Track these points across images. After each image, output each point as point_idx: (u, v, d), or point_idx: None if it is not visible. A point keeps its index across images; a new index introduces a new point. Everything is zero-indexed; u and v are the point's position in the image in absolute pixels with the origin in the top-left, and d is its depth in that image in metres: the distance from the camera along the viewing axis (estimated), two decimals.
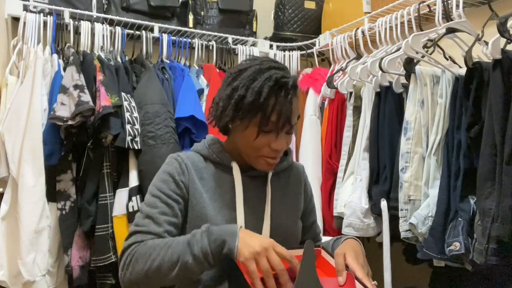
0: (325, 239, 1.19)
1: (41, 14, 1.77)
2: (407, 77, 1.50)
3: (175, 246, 0.86)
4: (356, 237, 1.05)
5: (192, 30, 2.15)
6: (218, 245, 0.84)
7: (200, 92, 1.96)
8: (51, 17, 1.78)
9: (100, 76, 1.69)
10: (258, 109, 0.91)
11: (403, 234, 1.43)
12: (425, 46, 1.48)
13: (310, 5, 2.40)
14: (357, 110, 1.78)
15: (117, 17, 1.97)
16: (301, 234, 1.11)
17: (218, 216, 0.96)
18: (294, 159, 1.68)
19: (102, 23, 1.91)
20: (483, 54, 1.39)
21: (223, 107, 0.96)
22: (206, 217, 0.95)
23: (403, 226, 1.43)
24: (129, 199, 1.67)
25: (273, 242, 0.84)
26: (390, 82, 1.60)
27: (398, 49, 1.63)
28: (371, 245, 1.76)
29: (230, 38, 2.23)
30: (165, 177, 0.98)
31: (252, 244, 0.82)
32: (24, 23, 1.71)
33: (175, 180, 0.97)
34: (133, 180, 1.69)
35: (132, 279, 0.88)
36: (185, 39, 2.09)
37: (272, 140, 0.95)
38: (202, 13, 2.21)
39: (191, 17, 2.17)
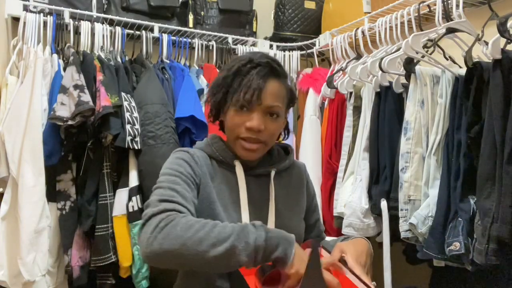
0: (328, 239, 1.19)
1: (41, 14, 1.77)
2: (407, 77, 1.50)
3: (224, 225, 0.80)
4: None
5: (192, 30, 2.15)
6: (273, 245, 0.78)
7: (200, 92, 1.95)
8: (51, 17, 1.78)
9: (100, 76, 1.69)
10: (229, 85, 0.96)
11: (403, 234, 1.43)
12: (425, 46, 1.48)
13: (310, 5, 2.40)
14: (357, 110, 1.78)
15: (117, 17, 1.97)
16: (306, 232, 1.11)
17: (225, 214, 0.96)
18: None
19: (102, 23, 1.91)
20: (483, 54, 1.39)
21: (210, 94, 1.03)
22: (214, 212, 0.95)
23: (403, 226, 1.43)
24: (129, 199, 1.67)
25: None
26: (390, 82, 1.60)
27: (398, 49, 1.63)
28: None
29: (230, 38, 2.23)
30: (180, 162, 0.96)
31: (304, 259, 0.80)
32: (24, 23, 1.71)
33: (190, 165, 0.96)
34: (133, 180, 1.69)
35: (163, 245, 0.77)
36: (185, 39, 2.09)
37: (247, 118, 0.96)
38: (202, 13, 2.21)
39: (191, 17, 2.17)
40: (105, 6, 2.01)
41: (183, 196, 0.88)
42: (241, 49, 2.21)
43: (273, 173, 1.04)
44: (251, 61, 0.96)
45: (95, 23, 1.86)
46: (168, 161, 0.98)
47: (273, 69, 0.97)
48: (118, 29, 1.91)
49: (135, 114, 1.70)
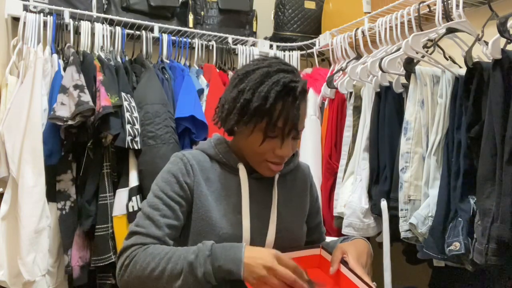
0: (328, 239, 1.19)
1: (41, 14, 1.77)
2: (407, 77, 1.50)
3: (176, 260, 0.85)
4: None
5: (192, 30, 2.15)
6: (223, 272, 0.82)
7: (200, 92, 1.96)
8: (51, 17, 1.78)
9: (100, 76, 1.69)
10: (264, 115, 0.89)
11: (403, 234, 1.43)
12: (425, 46, 1.48)
13: (310, 5, 2.40)
14: (357, 110, 1.78)
15: (117, 17, 1.97)
16: (307, 235, 1.10)
17: (223, 219, 0.95)
18: None
19: (102, 23, 1.91)
20: (483, 54, 1.39)
21: (229, 109, 0.94)
22: (210, 220, 0.94)
23: (403, 226, 1.43)
24: (129, 199, 1.67)
25: (276, 254, 0.83)
26: (390, 82, 1.60)
27: (398, 49, 1.63)
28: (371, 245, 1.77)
29: (230, 38, 2.23)
30: (168, 178, 0.96)
31: (256, 270, 0.81)
32: (24, 23, 1.71)
33: (179, 181, 0.95)
34: (133, 180, 1.69)
35: (129, 282, 0.89)
36: (185, 39, 2.09)
37: (277, 146, 0.93)
38: (202, 13, 2.21)
39: (191, 17, 2.17)
40: (105, 6, 2.01)
41: (157, 225, 0.91)
42: (241, 49, 2.21)
43: (276, 176, 1.02)
44: (285, 86, 0.89)
45: (95, 23, 1.86)
46: (163, 170, 0.99)
47: (304, 92, 0.93)
48: (118, 29, 1.91)
49: (135, 114, 1.70)
